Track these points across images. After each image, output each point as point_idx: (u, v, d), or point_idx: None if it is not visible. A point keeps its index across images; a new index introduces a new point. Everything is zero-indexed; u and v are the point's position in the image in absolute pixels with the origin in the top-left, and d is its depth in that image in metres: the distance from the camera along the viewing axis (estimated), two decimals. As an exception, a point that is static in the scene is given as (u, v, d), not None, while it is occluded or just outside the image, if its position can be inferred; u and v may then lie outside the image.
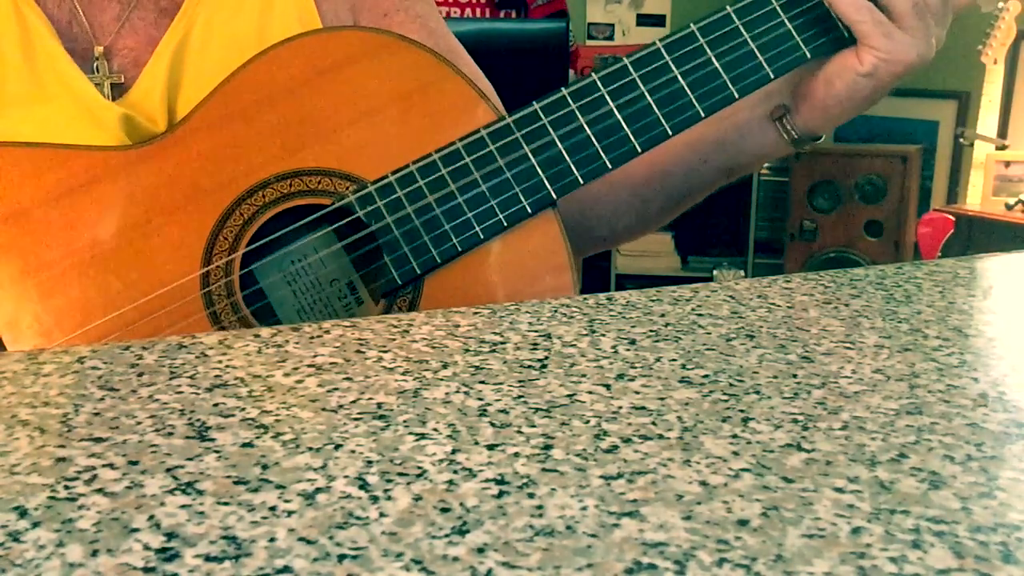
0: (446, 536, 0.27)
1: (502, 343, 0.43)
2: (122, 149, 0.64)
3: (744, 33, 0.67)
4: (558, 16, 3.22)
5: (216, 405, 0.36)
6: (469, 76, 0.80)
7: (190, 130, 0.65)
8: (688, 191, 0.80)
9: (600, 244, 0.87)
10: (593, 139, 0.66)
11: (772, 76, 0.67)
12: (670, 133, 0.66)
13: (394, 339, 0.43)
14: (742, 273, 3.60)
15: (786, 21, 0.67)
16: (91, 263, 0.63)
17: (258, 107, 0.65)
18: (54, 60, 0.69)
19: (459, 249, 0.65)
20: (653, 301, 0.50)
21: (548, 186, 0.65)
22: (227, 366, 0.40)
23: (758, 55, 0.67)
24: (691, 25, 0.67)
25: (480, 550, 0.26)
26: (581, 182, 0.65)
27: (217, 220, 0.64)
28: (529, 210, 0.65)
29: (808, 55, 0.67)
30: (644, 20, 3.79)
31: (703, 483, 0.30)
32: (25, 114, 0.67)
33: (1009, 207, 2.85)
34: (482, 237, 0.65)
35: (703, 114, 0.67)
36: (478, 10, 3.31)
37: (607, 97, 0.66)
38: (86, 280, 0.63)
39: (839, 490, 0.30)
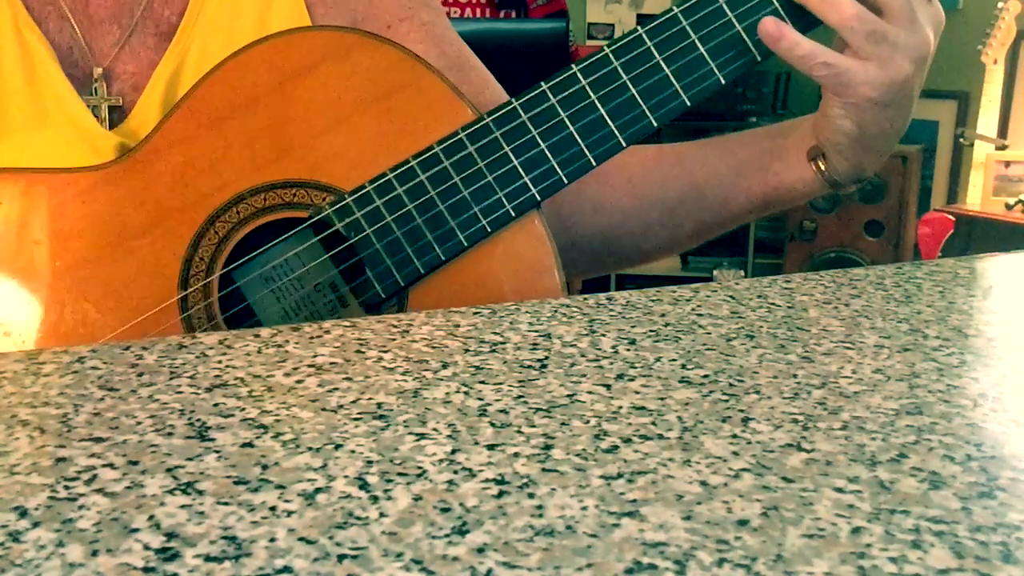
0: (446, 536, 0.27)
1: (502, 343, 0.43)
2: (90, 170, 0.62)
3: (728, 13, 0.64)
4: (558, 16, 3.22)
5: (216, 405, 0.36)
6: (479, 81, 0.77)
7: (157, 146, 0.62)
8: (721, 218, 0.78)
9: (626, 262, 0.85)
10: (576, 135, 0.63)
11: (759, 58, 0.65)
12: (655, 125, 0.64)
13: (394, 339, 0.43)
14: (742, 273, 3.60)
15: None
16: (65, 291, 0.61)
17: (227, 117, 0.62)
18: (54, 86, 0.68)
19: (442, 258, 0.62)
20: (653, 301, 0.50)
21: (531, 188, 0.62)
22: (227, 366, 0.40)
23: (745, 38, 0.64)
24: (673, 8, 0.65)
25: (480, 550, 0.26)
26: (566, 182, 0.63)
27: (191, 240, 0.62)
28: (512, 214, 0.62)
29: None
30: (644, 20, 3.78)
31: (703, 483, 0.30)
32: (25, 140, 0.66)
33: (1009, 207, 2.85)
34: (466, 244, 0.62)
35: (689, 102, 0.64)
36: (478, 10, 3.30)
37: (588, 89, 0.63)
38: (61, 309, 0.61)
39: (839, 490, 0.30)
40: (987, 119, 2.94)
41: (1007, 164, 2.92)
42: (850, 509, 0.29)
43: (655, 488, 0.30)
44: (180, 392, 0.37)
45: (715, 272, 3.61)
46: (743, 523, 0.28)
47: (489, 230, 0.63)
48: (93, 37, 0.71)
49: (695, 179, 0.76)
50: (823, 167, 0.71)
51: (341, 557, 0.26)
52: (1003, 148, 2.98)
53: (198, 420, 0.34)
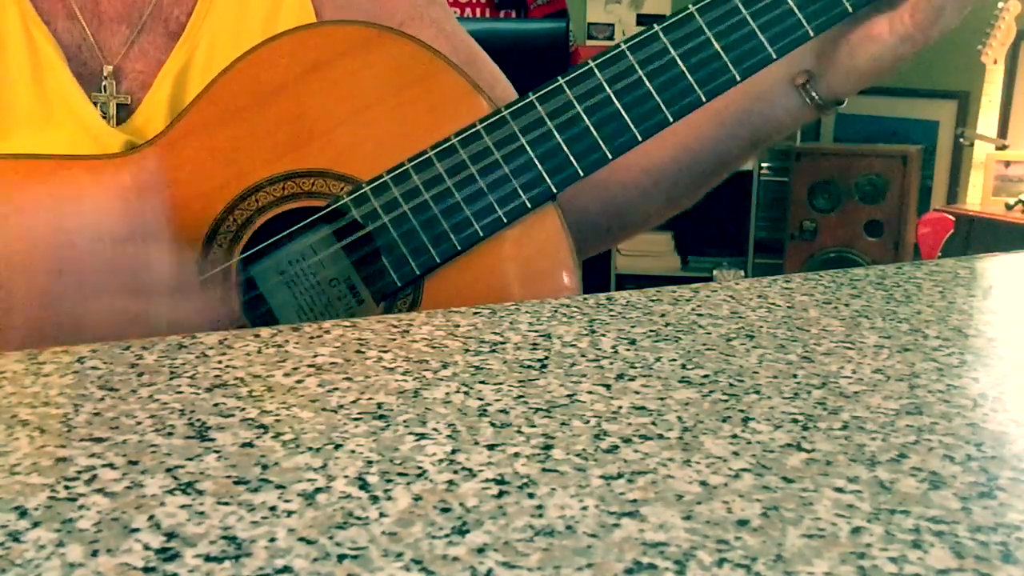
0: (446, 536, 0.27)
1: (502, 343, 0.43)
2: (109, 158, 0.63)
3: (744, 11, 0.65)
4: (558, 16, 3.22)
5: (216, 405, 0.36)
6: (490, 78, 0.78)
7: (179, 135, 0.63)
8: (715, 167, 0.79)
9: (633, 229, 0.87)
10: (592, 129, 0.64)
11: (775, 56, 0.65)
12: (671, 120, 0.65)
13: (394, 339, 0.43)
14: (742, 273, 3.60)
15: None
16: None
17: (247, 108, 0.64)
18: (61, 84, 0.68)
19: (458, 248, 0.63)
20: (653, 301, 0.50)
21: (547, 179, 0.63)
22: (227, 366, 0.40)
23: (759, 35, 0.65)
24: (690, 6, 0.65)
25: (480, 550, 0.26)
26: (581, 174, 0.64)
27: (210, 227, 0.63)
28: (529, 205, 0.63)
29: (811, 33, 0.65)
30: (644, 20, 3.79)
31: (703, 483, 0.30)
32: (31, 137, 0.67)
33: (1009, 207, 2.85)
34: (481, 235, 0.63)
35: (704, 98, 0.65)
36: (478, 10, 3.31)
37: (604, 85, 0.64)
38: None
39: (839, 490, 0.30)
40: (987, 119, 2.95)
41: (1007, 164, 2.93)
42: (850, 509, 0.29)
43: (655, 488, 0.30)
44: (180, 392, 0.37)
45: (715, 272, 3.61)
46: (743, 523, 0.28)
47: (505, 220, 0.64)
48: (103, 36, 0.71)
49: (683, 141, 0.77)
50: (811, 92, 0.72)
51: (341, 557, 0.26)
52: (1003, 148, 2.98)
53: (198, 420, 0.34)
